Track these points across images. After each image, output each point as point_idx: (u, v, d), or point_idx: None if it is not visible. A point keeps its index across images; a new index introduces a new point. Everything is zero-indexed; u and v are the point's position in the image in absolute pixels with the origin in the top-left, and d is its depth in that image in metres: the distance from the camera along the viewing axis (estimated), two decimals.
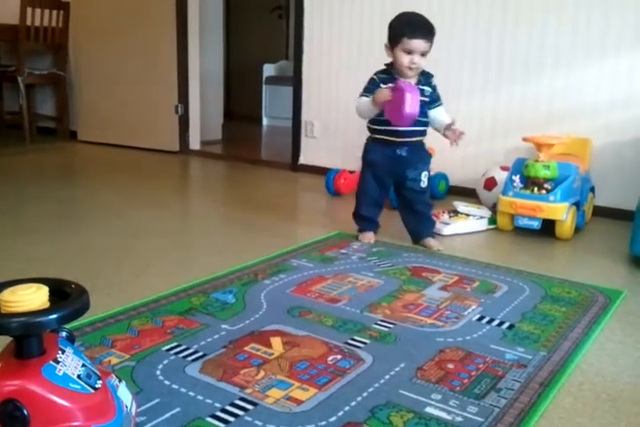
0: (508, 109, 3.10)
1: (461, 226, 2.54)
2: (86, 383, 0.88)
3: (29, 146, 4.32)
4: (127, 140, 4.33)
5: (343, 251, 2.23)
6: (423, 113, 2.19)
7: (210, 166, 4.04)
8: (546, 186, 2.44)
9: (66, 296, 0.90)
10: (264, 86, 6.37)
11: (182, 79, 4.15)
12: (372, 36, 3.41)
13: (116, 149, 4.33)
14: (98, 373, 0.92)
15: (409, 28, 2.11)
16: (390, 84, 2.13)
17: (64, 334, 0.97)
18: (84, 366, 0.91)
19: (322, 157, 3.71)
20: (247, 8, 6.62)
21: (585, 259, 2.32)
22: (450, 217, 2.59)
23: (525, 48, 2.99)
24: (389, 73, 2.21)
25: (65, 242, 2.23)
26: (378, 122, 2.22)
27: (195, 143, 4.32)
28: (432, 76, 2.26)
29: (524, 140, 2.57)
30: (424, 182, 2.30)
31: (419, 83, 2.19)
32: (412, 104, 2.01)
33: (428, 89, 2.22)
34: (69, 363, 0.88)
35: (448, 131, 2.20)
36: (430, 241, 2.32)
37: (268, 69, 6.40)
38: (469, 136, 3.17)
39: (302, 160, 3.83)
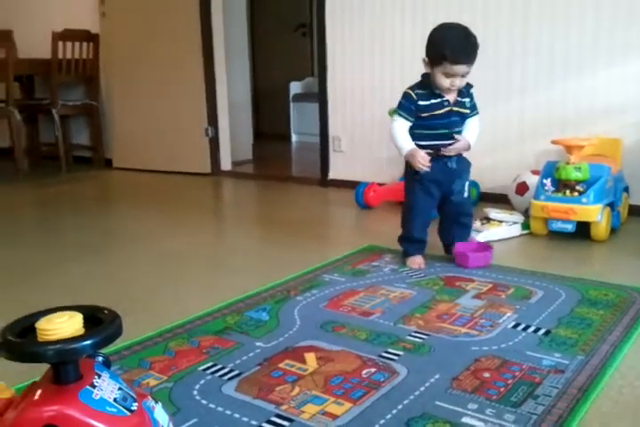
0: (535, 113, 3.07)
1: (494, 233, 2.52)
2: (122, 406, 0.90)
3: (66, 175, 4.45)
4: (160, 164, 4.41)
5: (375, 263, 2.23)
6: (463, 123, 2.15)
7: (241, 186, 4.10)
8: (578, 188, 2.41)
9: (99, 322, 0.93)
10: (291, 104, 6.44)
11: (211, 103, 4.23)
12: (394, 50, 3.43)
13: (151, 174, 4.42)
14: (134, 395, 0.95)
15: (452, 51, 1.95)
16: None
17: (100, 358, 1.01)
18: (120, 389, 0.93)
19: (350, 172, 3.72)
20: (271, 27, 6.72)
21: (622, 260, 2.27)
22: (482, 224, 2.57)
23: (550, 51, 2.97)
24: (427, 87, 2.08)
25: (101, 270, 2.28)
26: (420, 137, 2.10)
27: (226, 164, 4.39)
28: (472, 86, 2.16)
29: (553, 142, 2.54)
30: (466, 192, 2.23)
31: (460, 94, 2.10)
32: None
33: (467, 100, 2.13)
34: (105, 387, 0.91)
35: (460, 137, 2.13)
36: None
37: (295, 87, 6.47)
38: (498, 142, 3.19)
39: (331, 175, 3.86)
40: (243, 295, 1.91)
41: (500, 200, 3.06)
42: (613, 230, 2.56)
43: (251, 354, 1.50)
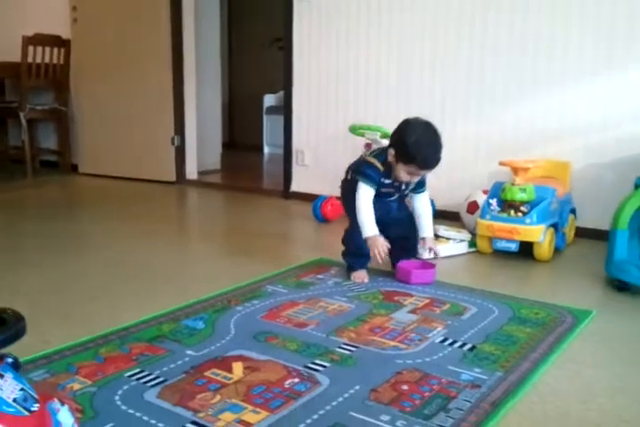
0: (490, 135, 3.15)
1: (442, 249, 2.56)
2: (22, 407, 0.93)
3: (31, 180, 4.44)
4: (126, 171, 4.43)
5: (320, 276, 2.27)
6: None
7: (204, 195, 4.12)
8: (522, 209, 2.48)
9: (3, 322, 0.95)
10: (265, 116, 6.50)
11: (178, 112, 4.26)
12: (359, 66, 3.50)
13: (116, 180, 4.43)
14: (36, 396, 0.97)
15: (423, 161, 2.04)
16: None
17: (10, 360, 1.02)
18: (22, 390, 0.95)
19: (312, 185, 3.77)
20: (249, 40, 6.78)
21: (561, 280, 2.34)
22: None
23: (506, 74, 3.05)
24: (389, 170, 2.13)
25: (51, 275, 2.29)
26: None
27: (192, 173, 4.41)
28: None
29: (501, 164, 2.62)
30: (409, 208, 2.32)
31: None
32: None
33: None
34: (6, 387, 0.93)
35: (425, 245, 2.25)
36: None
37: (269, 100, 6.53)
38: (454, 161, 3.26)
39: (294, 188, 3.90)
40: (183, 304, 1.93)
41: (453, 218, 3.12)
42: (558, 251, 2.63)
43: (179, 362, 1.53)
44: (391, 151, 2.10)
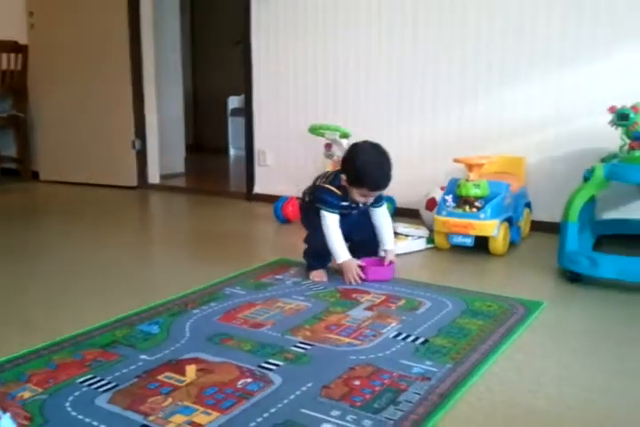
0: (447, 132, 3.20)
1: (400, 246, 2.60)
2: None
3: None
4: (87, 177, 4.39)
5: (279, 276, 2.28)
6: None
7: (166, 199, 4.11)
8: (477, 204, 2.52)
9: None
10: (229, 118, 6.49)
11: (138, 115, 4.24)
12: (317, 66, 3.53)
13: (77, 187, 4.39)
14: None
15: (372, 182, 2.11)
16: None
17: None
18: None
19: (275, 186, 3.78)
20: (213, 42, 6.76)
21: (515, 273, 2.39)
22: None
23: (461, 72, 3.10)
24: (346, 193, 2.18)
25: (6, 282, 2.27)
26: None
27: (154, 177, 4.39)
28: None
29: (455, 161, 2.66)
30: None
31: None
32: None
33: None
34: None
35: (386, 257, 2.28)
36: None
37: (233, 101, 6.53)
38: (413, 159, 3.31)
39: (257, 189, 3.91)
40: (139, 309, 1.93)
41: (414, 215, 3.16)
42: (514, 245, 2.69)
43: (132, 367, 1.53)
44: (342, 176, 2.16)
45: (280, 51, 3.64)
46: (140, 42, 4.20)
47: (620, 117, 2.25)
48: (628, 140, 2.26)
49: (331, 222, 2.18)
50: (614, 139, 2.44)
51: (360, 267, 2.22)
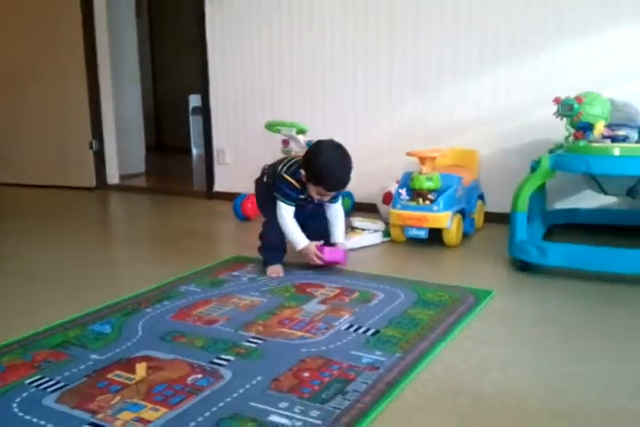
0: (402, 127, 3.24)
1: (357, 240, 2.63)
2: None
3: None
4: (44, 179, 4.34)
5: (235, 273, 2.29)
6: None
7: (126, 199, 4.08)
8: (429, 197, 2.56)
9: None
10: (191, 117, 6.45)
11: (95, 115, 4.20)
12: (273, 65, 3.53)
13: (34, 189, 4.33)
14: None
15: (331, 182, 2.14)
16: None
17: None
18: None
19: (235, 183, 3.78)
20: (172, 42, 6.72)
21: (468, 264, 2.44)
22: (346, 232, 2.67)
23: (413, 68, 3.15)
24: (303, 186, 2.20)
25: None
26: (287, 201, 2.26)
27: (113, 178, 4.36)
28: None
29: (408, 154, 2.69)
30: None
31: None
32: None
33: None
34: None
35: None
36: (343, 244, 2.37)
37: (194, 100, 6.46)
38: (371, 153, 3.34)
39: (217, 187, 3.91)
40: (91, 309, 1.92)
41: (372, 210, 3.19)
42: (468, 236, 2.74)
43: (82, 366, 1.52)
44: (302, 172, 2.18)
45: (235, 50, 3.64)
46: (94, 42, 4.16)
47: (565, 108, 2.30)
48: (572, 131, 2.31)
49: (286, 214, 2.22)
50: (563, 130, 2.50)
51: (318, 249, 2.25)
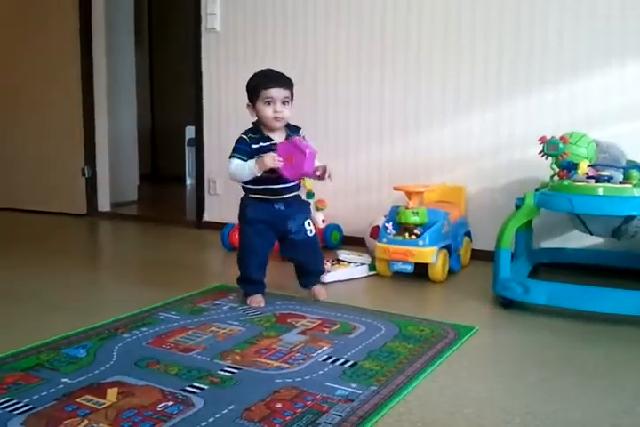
0: (392, 162, 3.27)
1: (342, 273, 2.62)
2: None
3: None
4: (35, 204, 4.34)
5: (217, 302, 2.28)
6: None
7: (115, 227, 4.07)
8: (416, 231, 2.57)
9: None
10: (187, 148, 6.51)
11: (89, 141, 4.23)
12: None
13: (25, 214, 4.32)
14: None
15: (264, 79, 2.18)
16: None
17: None
18: None
19: (225, 214, 3.78)
20: (172, 73, 6.82)
21: (452, 299, 2.43)
22: (332, 265, 2.67)
23: (403, 103, 3.19)
24: (258, 131, 2.19)
25: None
26: (252, 181, 2.18)
27: (104, 205, 4.36)
28: (300, 128, 2.28)
29: (395, 189, 2.71)
30: (310, 231, 2.28)
31: (287, 137, 2.18)
32: (310, 163, 2.07)
33: None
34: None
35: (317, 172, 2.17)
36: (319, 290, 2.32)
37: (191, 131, 6.52)
38: (360, 187, 3.36)
39: (207, 217, 3.91)
40: (68, 333, 1.90)
41: (360, 243, 3.19)
42: (454, 272, 2.73)
43: (52, 390, 1.50)
44: (248, 104, 2.21)
45: (230, 81, 3.70)
46: (92, 69, 4.21)
47: (550, 148, 2.33)
48: (557, 170, 2.34)
49: (235, 163, 2.14)
50: (549, 169, 2.52)
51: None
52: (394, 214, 2.66)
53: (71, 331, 1.92)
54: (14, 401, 1.43)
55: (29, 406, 1.41)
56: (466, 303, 2.35)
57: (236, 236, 3.20)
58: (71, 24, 4.12)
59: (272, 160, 2.07)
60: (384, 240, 2.60)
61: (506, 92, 2.94)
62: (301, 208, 2.31)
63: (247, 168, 2.12)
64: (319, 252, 2.37)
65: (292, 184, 2.23)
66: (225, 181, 3.81)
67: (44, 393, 1.48)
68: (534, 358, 1.81)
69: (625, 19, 2.68)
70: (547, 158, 2.40)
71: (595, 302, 2.09)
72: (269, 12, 3.54)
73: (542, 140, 2.36)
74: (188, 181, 6.48)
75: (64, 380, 1.56)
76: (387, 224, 2.63)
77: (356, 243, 3.24)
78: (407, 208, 2.60)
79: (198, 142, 3.89)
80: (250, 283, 2.28)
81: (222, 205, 3.83)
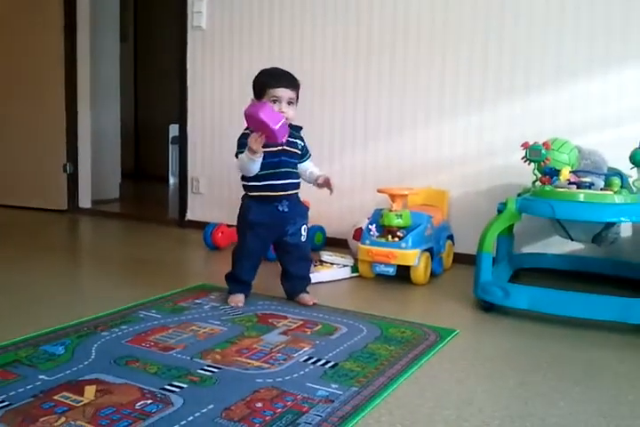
0: (376, 165, 3.28)
1: (325, 274, 2.62)
2: None
3: None
4: (14, 200, 4.29)
5: (198, 301, 2.26)
6: (294, 165, 2.23)
7: (97, 224, 4.03)
8: (399, 234, 2.57)
9: None
10: (170, 146, 6.47)
11: (71, 137, 4.19)
12: (251, 94, 3.57)
13: (3, 209, 4.27)
14: None
15: (271, 78, 2.15)
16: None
17: None
18: None
19: (207, 213, 3.77)
20: (156, 70, 6.78)
21: (434, 302, 2.44)
22: (314, 266, 2.67)
23: (388, 107, 3.20)
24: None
25: None
26: (252, 178, 2.17)
27: (85, 202, 4.32)
28: (301, 128, 2.28)
29: (379, 191, 2.72)
30: (304, 236, 2.28)
31: (290, 135, 2.16)
32: (272, 118, 1.99)
33: (299, 142, 2.24)
34: None
35: (319, 180, 2.23)
36: (305, 297, 2.28)
37: (174, 130, 6.49)
38: (344, 189, 3.36)
39: (189, 216, 3.89)
40: (46, 330, 1.88)
41: (343, 245, 3.19)
42: (436, 275, 2.74)
43: (29, 386, 1.48)
44: (252, 100, 2.17)
45: (216, 80, 3.69)
46: (75, 65, 4.18)
47: (533, 153, 2.35)
48: (539, 176, 2.36)
49: (239, 160, 2.13)
50: (531, 174, 2.55)
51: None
52: (377, 217, 2.66)
53: (50, 328, 1.90)
54: None
55: (6, 403, 1.39)
56: (447, 306, 2.36)
57: (219, 235, 3.21)
58: (56, 20, 4.08)
59: (254, 141, 2.03)
60: (367, 242, 2.60)
61: (490, 97, 2.96)
62: (302, 212, 2.31)
63: (245, 159, 2.10)
64: (308, 258, 2.35)
65: (294, 181, 2.23)
66: (209, 181, 3.80)
67: (21, 390, 1.46)
68: (514, 362, 1.82)
69: (609, 28, 2.71)
70: (529, 164, 2.42)
71: (575, 307, 2.11)
72: (255, 11, 3.54)
73: (525, 145, 2.38)
74: (171, 180, 6.43)
75: (41, 377, 1.54)
76: (370, 226, 2.63)
77: (339, 244, 3.25)
78: (391, 211, 2.60)
79: (182, 140, 3.87)
80: (238, 282, 2.27)
81: (205, 204, 3.82)
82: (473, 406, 1.51)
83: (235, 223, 2.28)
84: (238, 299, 2.24)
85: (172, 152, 6.44)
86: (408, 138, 3.17)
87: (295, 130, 2.24)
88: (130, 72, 6.72)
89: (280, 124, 2.00)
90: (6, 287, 2.41)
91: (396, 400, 1.51)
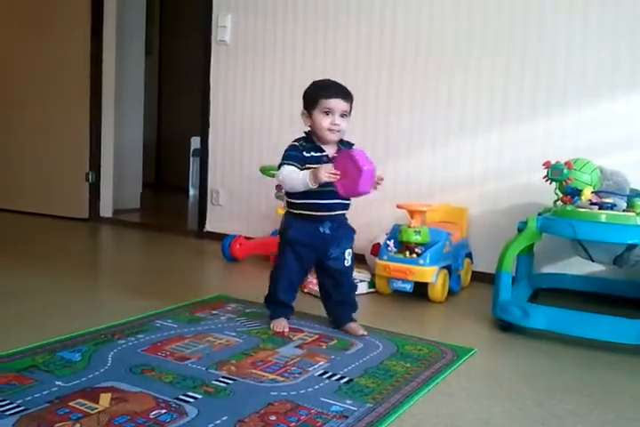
0: (395, 181, 3.27)
1: None
2: None
3: None
4: (37, 207, 4.34)
5: (215, 312, 2.27)
6: None
7: (116, 233, 4.07)
8: (417, 250, 2.56)
9: None
10: (191, 158, 6.53)
11: (94, 147, 4.24)
12: (273, 110, 3.61)
13: (26, 216, 4.32)
14: None
15: (325, 89, 2.04)
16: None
17: None
18: None
19: (226, 224, 3.79)
20: (181, 81, 6.87)
21: (451, 320, 2.42)
22: None
23: (408, 124, 3.21)
24: (310, 140, 2.06)
25: None
26: (295, 194, 2.04)
27: (106, 211, 4.36)
28: (353, 144, 2.15)
29: (398, 207, 2.72)
30: (348, 261, 2.16)
31: (338, 151, 2.06)
32: (366, 181, 1.87)
33: None
34: None
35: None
36: (352, 326, 2.11)
37: (196, 142, 6.56)
38: (362, 204, 3.35)
39: (208, 227, 3.91)
40: (63, 336, 1.89)
41: (360, 260, 3.17)
42: (453, 293, 2.72)
43: (45, 392, 1.49)
44: (304, 112, 2.07)
45: (238, 94, 3.73)
46: (101, 76, 4.24)
47: (555, 173, 2.34)
48: (561, 195, 2.34)
49: (287, 169, 1.99)
50: (553, 194, 2.53)
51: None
52: (396, 232, 2.66)
53: (67, 334, 1.91)
54: (7, 402, 1.42)
55: (22, 408, 1.40)
56: (465, 324, 2.34)
57: (237, 246, 3.22)
58: (82, 32, 4.16)
59: (325, 174, 1.90)
60: (384, 257, 2.60)
61: (512, 115, 2.96)
62: (347, 235, 2.19)
63: (300, 178, 1.96)
64: (352, 284, 2.24)
65: (343, 201, 2.09)
66: (228, 193, 3.82)
67: (38, 395, 1.47)
68: (531, 383, 1.79)
69: (633, 47, 2.70)
70: (550, 183, 2.40)
71: (594, 329, 2.08)
72: (279, 26, 3.57)
73: (547, 164, 2.37)
74: (191, 192, 6.48)
75: (58, 383, 1.55)
76: (388, 242, 2.62)
77: (356, 260, 3.21)
78: (409, 227, 2.60)
79: (203, 153, 3.90)
80: (276, 305, 2.16)
81: (224, 216, 3.84)
82: (489, 425, 1.49)
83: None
84: (282, 324, 2.10)
85: (193, 164, 6.51)
86: (428, 154, 3.17)
87: (345, 146, 2.12)
88: (154, 84, 6.81)
89: (366, 191, 1.90)
90: (25, 292, 2.43)
91: (412, 418, 1.50)
